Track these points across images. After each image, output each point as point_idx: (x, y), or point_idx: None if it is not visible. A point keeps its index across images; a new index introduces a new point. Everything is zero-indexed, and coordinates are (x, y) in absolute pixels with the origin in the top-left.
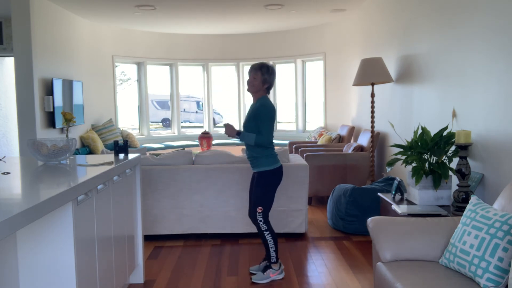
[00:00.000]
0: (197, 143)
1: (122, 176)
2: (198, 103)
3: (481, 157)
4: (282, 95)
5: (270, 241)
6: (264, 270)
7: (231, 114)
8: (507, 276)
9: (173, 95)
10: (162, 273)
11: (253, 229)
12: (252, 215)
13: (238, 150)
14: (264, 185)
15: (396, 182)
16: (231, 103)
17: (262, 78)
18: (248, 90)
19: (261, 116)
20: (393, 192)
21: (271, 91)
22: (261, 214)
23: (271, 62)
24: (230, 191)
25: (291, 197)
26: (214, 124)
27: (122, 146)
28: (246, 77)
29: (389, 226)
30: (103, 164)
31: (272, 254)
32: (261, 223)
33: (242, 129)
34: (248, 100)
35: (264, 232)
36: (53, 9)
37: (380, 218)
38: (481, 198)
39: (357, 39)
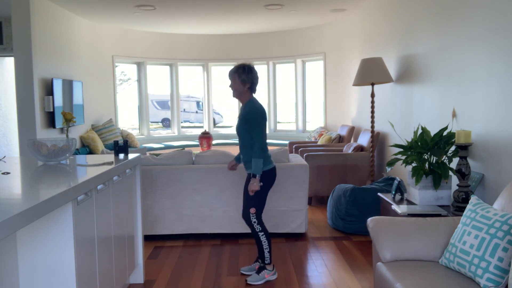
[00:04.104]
0: (197, 143)
1: (122, 176)
2: (198, 103)
3: (481, 157)
4: (282, 95)
5: (264, 242)
6: (259, 271)
7: (231, 114)
8: (507, 276)
9: (173, 95)
10: (162, 273)
11: None
12: (246, 216)
13: (238, 150)
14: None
15: (396, 182)
16: (231, 103)
17: (239, 79)
18: (233, 95)
19: (252, 122)
20: (393, 192)
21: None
22: (254, 215)
23: (271, 62)
24: (230, 191)
25: (291, 197)
26: (214, 124)
27: (122, 146)
28: None
29: (389, 226)
30: (103, 164)
31: (266, 255)
32: (255, 224)
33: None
34: None
35: (259, 233)
36: (53, 9)
37: (380, 218)
38: (481, 198)
39: (357, 39)
